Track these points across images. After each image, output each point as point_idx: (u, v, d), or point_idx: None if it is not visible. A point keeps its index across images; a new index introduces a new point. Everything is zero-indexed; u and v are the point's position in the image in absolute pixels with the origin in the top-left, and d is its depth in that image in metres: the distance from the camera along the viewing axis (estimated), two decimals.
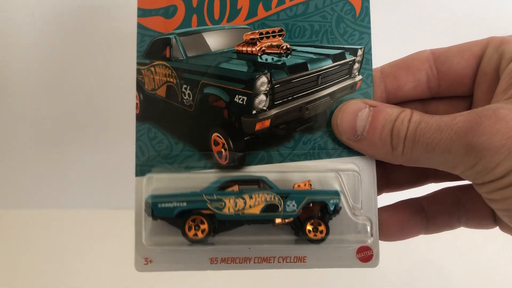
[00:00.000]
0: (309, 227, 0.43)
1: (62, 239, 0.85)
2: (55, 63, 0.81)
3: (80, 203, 0.88)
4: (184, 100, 0.47)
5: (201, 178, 0.44)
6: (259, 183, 0.43)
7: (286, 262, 0.45)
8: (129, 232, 0.81)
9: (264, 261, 0.45)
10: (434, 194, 0.50)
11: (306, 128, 0.47)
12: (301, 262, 0.45)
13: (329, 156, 0.46)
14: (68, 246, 0.84)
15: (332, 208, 0.43)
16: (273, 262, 0.45)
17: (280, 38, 0.47)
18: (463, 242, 0.76)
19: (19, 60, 0.80)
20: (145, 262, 0.44)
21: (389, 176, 0.49)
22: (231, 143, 0.46)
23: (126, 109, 0.81)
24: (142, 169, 0.45)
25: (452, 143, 0.37)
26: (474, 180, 0.38)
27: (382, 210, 0.47)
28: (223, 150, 0.46)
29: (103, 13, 0.77)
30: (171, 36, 0.47)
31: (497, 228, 0.49)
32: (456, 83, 0.46)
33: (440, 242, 0.62)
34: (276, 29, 0.47)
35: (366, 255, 0.45)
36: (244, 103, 0.45)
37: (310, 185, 0.44)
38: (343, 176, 0.45)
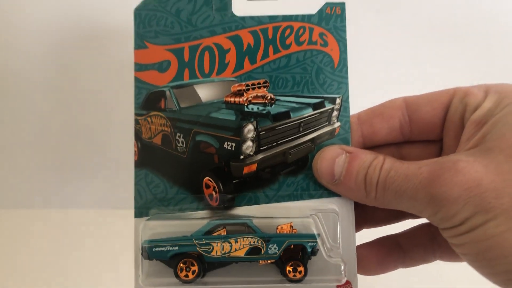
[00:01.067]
0: (289, 268, 0.47)
1: (63, 239, 0.86)
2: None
3: (81, 203, 0.90)
4: (178, 147, 0.51)
5: (192, 224, 0.48)
6: (244, 227, 0.47)
7: None
8: (130, 231, 0.82)
9: None
10: (410, 231, 0.54)
11: (289, 171, 0.51)
12: None
13: (311, 197, 0.50)
14: (69, 247, 0.85)
15: (309, 250, 0.47)
16: None
17: (265, 89, 0.51)
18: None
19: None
20: None
21: (368, 213, 0.53)
22: (221, 186, 0.50)
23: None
24: (140, 211, 0.50)
25: (417, 192, 0.41)
26: (438, 225, 0.42)
27: (361, 247, 0.51)
28: (214, 192, 0.50)
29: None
30: (165, 89, 0.51)
31: None
32: (427, 130, 0.50)
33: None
34: (261, 80, 0.51)
35: None
36: (233, 149, 0.49)
37: (292, 227, 0.48)
38: (323, 216, 0.49)
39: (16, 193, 0.90)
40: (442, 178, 0.39)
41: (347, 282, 0.49)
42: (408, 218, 0.54)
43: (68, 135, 0.87)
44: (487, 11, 0.83)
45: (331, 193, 0.50)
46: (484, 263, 0.39)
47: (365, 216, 0.53)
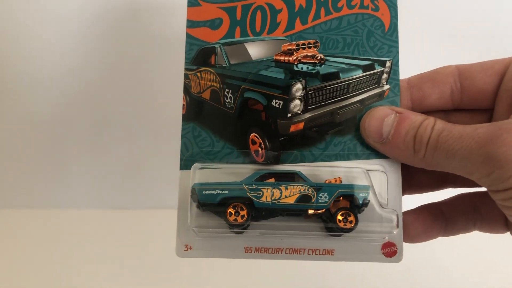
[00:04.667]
0: (339, 217, 0.46)
1: (63, 239, 0.87)
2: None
3: (81, 203, 0.90)
4: (226, 103, 0.52)
5: (240, 173, 0.48)
6: (294, 177, 0.47)
7: (315, 254, 0.48)
8: (131, 232, 0.81)
9: (295, 252, 0.48)
10: (453, 199, 0.53)
11: (337, 131, 0.51)
12: (329, 254, 0.48)
13: (357, 157, 0.50)
14: (69, 247, 0.86)
15: (360, 201, 0.46)
16: (303, 253, 0.48)
17: (315, 49, 0.51)
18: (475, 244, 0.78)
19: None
20: (185, 248, 0.48)
21: (411, 179, 0.53)
22: (267, 142, 0.50)
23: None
24: (186, 163, 0.50)
25: (471, 151, 0.40)
26: (490, 187, 0.41)
27: (406, 213, 0.50)
28: (259, 149, 0.50)
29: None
30: (216, 45, 0.52)
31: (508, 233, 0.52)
32: (478, 98, 0.49)
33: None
34: (312, 41, 0.51)
35: (390, 251, 0.48)
36: (280, 107, 0.49)
37: (341, 181, 0.47)
38: (370, 175, 0.49)
39: (16, 193, 0.90)
40: (501, 138, 0.38)
41: (392, 244, 0.48)
42: (449, 187, 0.54)
43: (70, 136, 0.88)
44: None
45: (378, 155, 0.49)
46: None
47: (409, 181, 0.52)
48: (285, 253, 0.48)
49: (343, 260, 0.48)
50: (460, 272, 0.81)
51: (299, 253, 0.48)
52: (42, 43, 0.84)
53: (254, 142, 0.50)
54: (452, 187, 0.54)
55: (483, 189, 0.44)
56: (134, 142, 0.89)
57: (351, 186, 0.47)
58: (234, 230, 0.46)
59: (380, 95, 0.51)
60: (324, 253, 0.48)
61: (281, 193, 0.46)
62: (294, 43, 0.51)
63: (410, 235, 0.50)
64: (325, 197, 0.46)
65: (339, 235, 0.47)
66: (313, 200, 0.46)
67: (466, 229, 0.52)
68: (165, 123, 0.85)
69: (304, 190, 0.46)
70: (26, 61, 0.84)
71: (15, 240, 0.87)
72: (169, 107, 0.82)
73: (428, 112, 0.51)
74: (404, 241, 0.49)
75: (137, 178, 0.91)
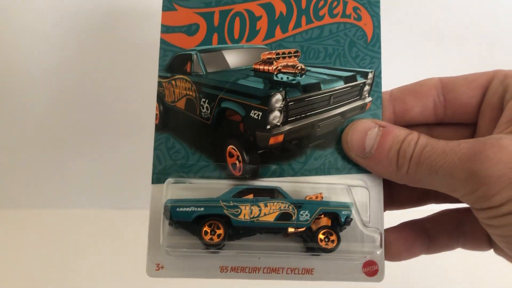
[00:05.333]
0: (321, 236, 0.44)
1: (63, 239, 0.86)
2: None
3: (81, 203, 0.89)
4: (202, 113, 0.49)
5: (217, 188, 0.45)
6: (274, 193, 0.44)
7: (294, 273, 0.46)
8: (130, 232, 0.80)
9: (273, 272, 0.46)
10: (435, 216, 0.52)
11: (317, 144, 0.49)
12: (308, 274, 0.46)
13: (338, 172, 0.48)
14: (69, 247, 0.85)
15: (343, 220, 0.44)
16: (282, 273, 0.46)
17: (296, 59, 0.49)
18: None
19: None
20: (157, 268, 0.45)
21: (393, 195, 0.51)
22: (245, 155, 0.47)
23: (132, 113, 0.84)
24: (158, 177, 0.47)
25: (454, 167, 0.39)
26: (473, 204, 0.40)
27: (388, 231, 0.49)
28: (237, 162, 0.47)
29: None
30: (192, 52, 0.49)
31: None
32: (461, 111, 0.48)
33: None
34: (292, 50, 0.49)
35: (371, 270, 0.46)
36: (259, 118, 0.47)
37: (322, 198, 0.45)
38: (352, 191, 0.47)
39: (16, 193, 0.89)
40: (484, 154, 0.37)
41: (373, 263, 0.46)
42: (431, 203, 0.53)
43: (69, 136, 0.86)
44: None
45: (360, 169, 0.47)
46: None
47: (390, 197, 0.51)
48: (263, 272, 0.46)
49: (323, 280, 0.46)
50: None
51: (278, 273, 0.46)
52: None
53: (231, 155, 0.48)
54: (434, 203, 0.53)
55: (466, 205, 0.43)
56: (133, 142, 0.87)
57: (333, 204, 0.45)
58: (210, 250, 0.44)
59: (362, 108, 0.50)
60: (303, 272, 0.46)
61: (260, 210, 0.43)
62: (274, 52, 0.49)
63: (392, 254, 0.48)
64: (306, 215, 0.44)
65: (319, 254, 0.45)
66: (293, 218, 0.43)
67: (449, 246, 0.51)
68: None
69: (285, 207, 0.43)
70: (24, 63, 0.82)
71: (14, 240, 0.86)
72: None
73: (410, 126, 0.50)
74: (386, 260, 0.47)
75: (136, 178, 0.87)
